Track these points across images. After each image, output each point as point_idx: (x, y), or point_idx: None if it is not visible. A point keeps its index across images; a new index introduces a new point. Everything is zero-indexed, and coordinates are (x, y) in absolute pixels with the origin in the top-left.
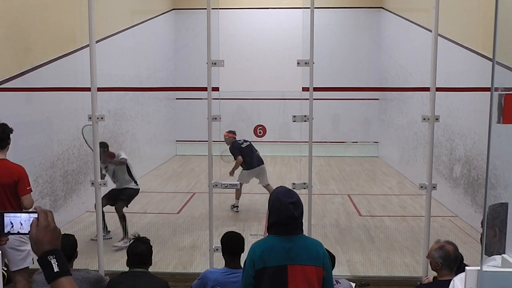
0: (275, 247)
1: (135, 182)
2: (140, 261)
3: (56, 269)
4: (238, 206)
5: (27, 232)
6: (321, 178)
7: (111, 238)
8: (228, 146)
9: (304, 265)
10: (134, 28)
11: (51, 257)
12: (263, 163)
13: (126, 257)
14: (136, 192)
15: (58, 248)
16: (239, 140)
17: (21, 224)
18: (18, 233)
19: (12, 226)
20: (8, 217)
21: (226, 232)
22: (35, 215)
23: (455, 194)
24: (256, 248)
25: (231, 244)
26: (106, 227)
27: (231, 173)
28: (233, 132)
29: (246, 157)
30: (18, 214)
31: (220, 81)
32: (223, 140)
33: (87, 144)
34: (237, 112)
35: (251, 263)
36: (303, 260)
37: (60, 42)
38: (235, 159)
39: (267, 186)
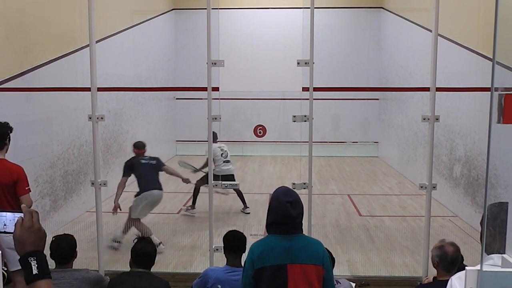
0: (275, 247)
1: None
2: (147, 262)
3: (35, 271)
4: (120, 242)
5: (12, 231)
6: (321, 178)
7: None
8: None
9: (304, 264)
10: (134, 28)
11: (32, 258)
12: (160, 189)
13: (130, 257)
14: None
15: (41, 249)
16: (144, 157)
17: (5, 224)
18: (5, 232)
19: (5, 225)
20: None
21: (229, 231)
22: (21, 215)
23: (455, 194)
24: (255, 248)
25: (233, 242)
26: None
27: (186, 180)
28: (137, 146)
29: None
30: (4, 213)
31: (220, 81)
32: (224, 140)
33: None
34: (237, 112)
35: (250, 262)
36: (303, 259)
37: (60, 42)
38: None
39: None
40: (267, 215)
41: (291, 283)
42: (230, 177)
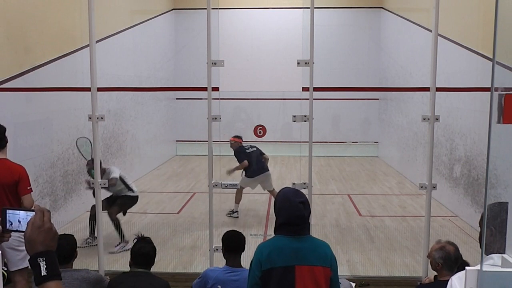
0: (283, 248)
1: (131, 189)
2: (146, 262)
3: (43, 272)
4: (237, 211)
5: (24, 230)
6: (321, 178)
7: (96, 245)
8: (234, 151)
9: (312, 266)
10: (134, 28)
11: (41, 259)
12: (267, 170)
13: (129, 257)
14: (132, 199)
15: (51, 249)
16: (246, 146)
17: (19, 221)
18: (17, 230)
19: (12, 224)
20: (9, 214)
21: (228, 231)
22: (33, 213)
23: (455, 194)
24: (263, 249)
25: (232, 242)
26: (93, 233)
27: (230, 172)
28: (240, 137)
29: (249, 164)
30: (17, 212)
31: (220, 81)
32: (223, 140)
33: (82, 155)
34: (238, 112)
35: (258, 263)
36: (311, 260)
37: (60, 42)
38: (239, 163)
39: (271, 191)
40: (277, 216)
41: (299, 284)
42: (126, 200)
